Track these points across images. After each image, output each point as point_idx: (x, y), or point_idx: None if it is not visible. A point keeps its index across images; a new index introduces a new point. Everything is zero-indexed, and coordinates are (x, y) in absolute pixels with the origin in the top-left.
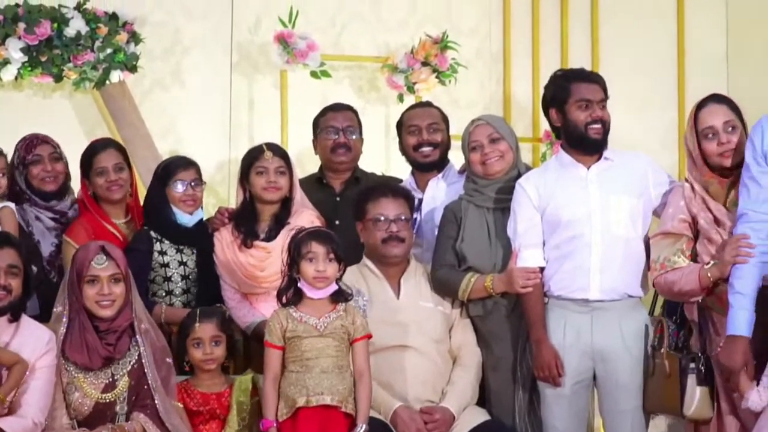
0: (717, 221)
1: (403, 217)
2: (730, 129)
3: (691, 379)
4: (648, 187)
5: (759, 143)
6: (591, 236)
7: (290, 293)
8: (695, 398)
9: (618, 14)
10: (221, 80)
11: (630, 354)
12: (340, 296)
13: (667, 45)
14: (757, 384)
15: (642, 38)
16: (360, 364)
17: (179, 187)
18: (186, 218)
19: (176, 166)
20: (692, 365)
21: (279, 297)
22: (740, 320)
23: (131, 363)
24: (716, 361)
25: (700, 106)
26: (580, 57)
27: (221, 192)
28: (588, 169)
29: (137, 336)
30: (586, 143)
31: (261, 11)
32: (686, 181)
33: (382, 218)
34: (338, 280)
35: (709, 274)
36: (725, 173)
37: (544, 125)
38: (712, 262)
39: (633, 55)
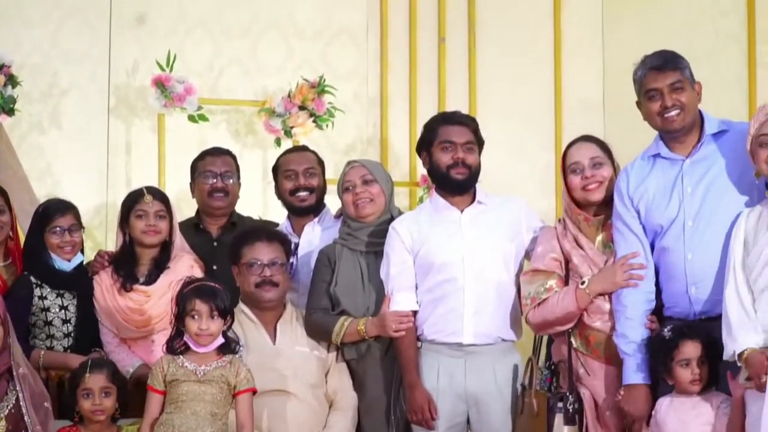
0: (589, 259)
1: (277, 262)
2: (595, 165)
3: (558, 418)
4: (521, 232)
5: (625, 188)
6: (464, 280)
7: (178, 343)
8: None
9: (495, 59)
10: (99, 123)
11: (503, 397)
12: (226, 349)
13: (544, 89)
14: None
15: (519, 83)
16: (242, 416)
17: (57, 234)
18: (65, 264)
19: (54, 211)
20: (560, 404)
21: (168, 346)
22: (630, 368)
23: (8, 407)
24: (620, 408)
25: (571, 144)
26: (458, 102)
27: (98, 236)
28: (461, 212)
29: (15, 380)
30: (449, 185)
31: (138, 55)
32: (559, 220)
33: (257, 263)
34: (225, 332)
35: (588, 291)
36: (594, 211)
37: (421, 170)
38: (586, 279)
39: (510, 100)
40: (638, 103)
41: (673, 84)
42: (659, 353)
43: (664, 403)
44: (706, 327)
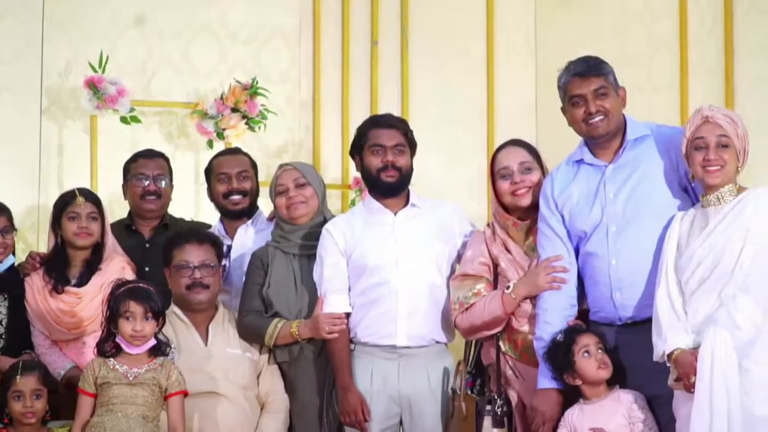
0: (516, 263)
1: (209, 264)
2: (525, 170)
3: (487, 421)
4: (454, 236)
5: (550, 193)
6: (397, 282)
7: (109, 345)
8: None
9: (428, 62)
10: (31, 125)
11: (435, 400)
12: (158, 351)
13: (476, 93)
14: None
15: (452, 86)
16: (174, 419)
17: None
18: None
19: None
20: (488, 407)
21: (98, 348)
22: (542, 373)
23: None
24: (532, 408)
25: (499, 149)
26: (390, 105)
27: (30, 237)
28: (395, 215)
29: None
30: (380, 188)
31: (71, 56)
32: (488, 225)
33: (187, 265)
34: (157, 334)
35: (513, 295)
36: (522, 216)
37: (353, 172)
38: (512, 284)
39: (443, 104)
40: (563, 110)
41: (596, 90)
42: (558, 356)
43: (574, 413)
44: (631, 333)
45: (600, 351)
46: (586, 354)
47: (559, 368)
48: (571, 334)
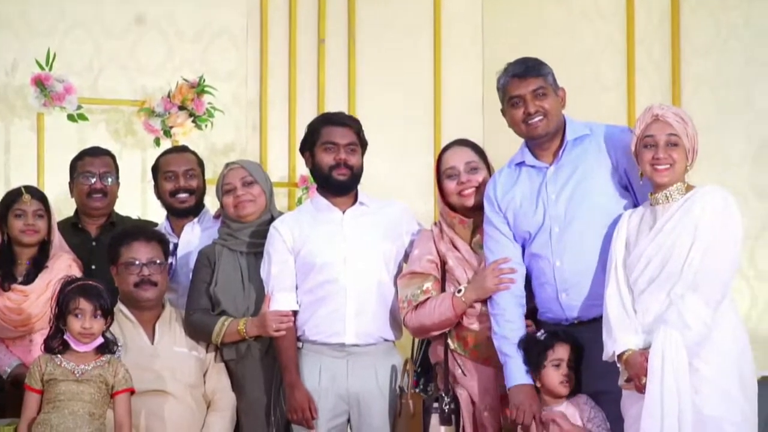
0: (464, 261)
1: (156, 261)
2: (471, 170)
3: (434, 419)
4: (401, 235)
5: (493, 196)
6: (345, 280)
7: (57, 342)
8: None
9: (375, 60)
10: None
11: (384, 398)
12: (105, 349)
13: (423, 91)
14: None
15: (399, 84)
16: (120, 416)
17: None
18: None
19: None
20: (435, 405)
21: (46, 345)
22: (515, 370)
23: None
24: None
25: (446, 148)
26: (337, 103)
27: None
28: (343, 213)
29: None
30: (331, 185)
31: (18, 53)
32: (435, 223)
33: (135, 262)
34: (105, 332)
35: (463, 299)
36: (468, 214)
37: (300, 170)
38: (463, 287)
39: (390, 102)
40: (503, 111)
41: (535, 90)
42: (532, 353)
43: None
44: (578, 332)
45: (569, 368)
46: (555, 366)
47: (528, 363)
48: (552, 338)
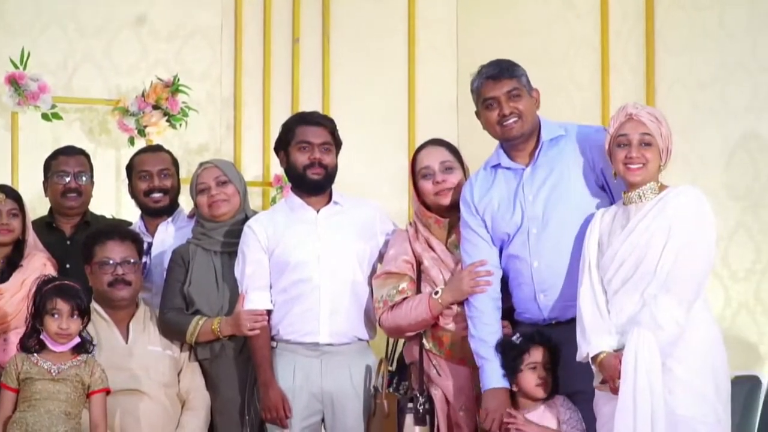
0: (440, 261)
1: (130, 260)
2: (446, 169)
3: (409, 419)
4: (376, 234)
5: (470, 199)
6: (320, 279)
7: (33, 341)
8: None
9: (350, 60)
10: None
11: (358, 397)
12: (82, 348)
13: (398, 91)
14: None
15: (373, 84)
16: (96, 416)
17: None
18: None
19: None
20: (410, 405)
21: (22, 344)
22: (491, 373)
23: None
24: (484, 410)
25: (420, 148)
26: (311, 103)
27: None
28: (317, 212)
29: None
30: (305, 185)
31: None
32: (410, 223)
33: (109, 261)
34: (81, 332)
35: (440, 300)
36: (443, 213)
37: (275, 170)
38: (440, 289)
39: (364, 101)
40: (477, 114)
41: (509, 92)
42: (508, 357)
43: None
44: (555, 332)
45: (545, 370)
46: (532, 369)
47: (503, 366)
48: (527, 341)
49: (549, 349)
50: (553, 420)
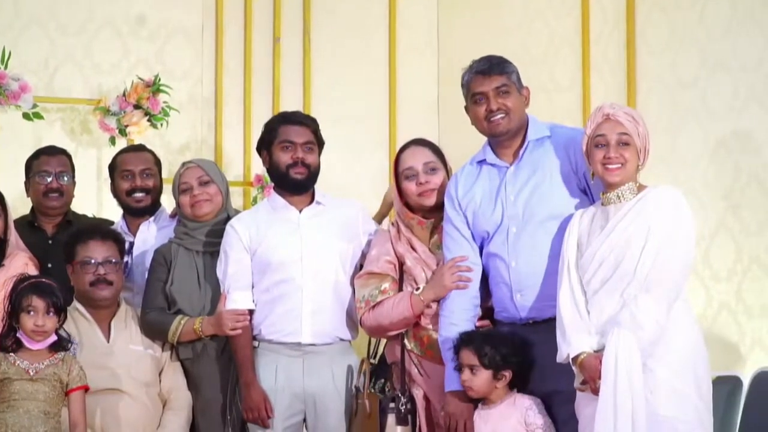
0: (422, 262)
1: (112, 260)
2: (430, 170)
3: (391, 418)
4: (358, 234)
5: (454, 193)
6: (302, 279)
7: (10, 340)
8: None
9: (330, 60)
10: None
11: (340, 397)
12: (59, 346)
13: (379, 91)
14: None
15: (354, 84)
16: (75, 414)
17: None
18: None
19: None
20: (392, 405)
21: None
22: (450, 375)
23: None
24: (446, 414)
25: (403, 148)
26: (292, 102)
27: None
28: (300, 212)
29: None
30: (288, 184)
31: None
32: (392, 224)
33: (91, 261)
34: (58, 330)
35: (422, 297)
36: (426, 214)
37: (256, 169)
38: (421, 286)
39: (345, 101)
40: (466, 108)
41: (498, 88)
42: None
43: (476, 418)
44: (533, 332)
45: (472, 372)
46: (465, 369)
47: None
48: (459, 343)
49: (476, 350)
50: (510, 418)
